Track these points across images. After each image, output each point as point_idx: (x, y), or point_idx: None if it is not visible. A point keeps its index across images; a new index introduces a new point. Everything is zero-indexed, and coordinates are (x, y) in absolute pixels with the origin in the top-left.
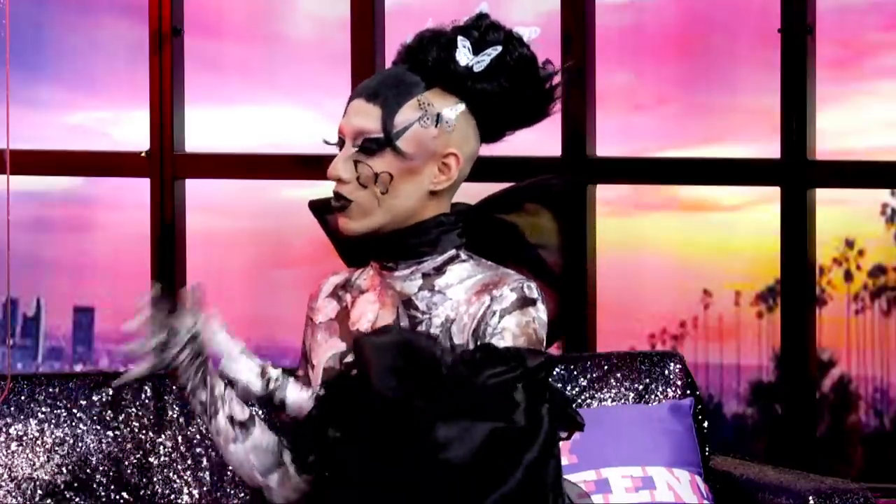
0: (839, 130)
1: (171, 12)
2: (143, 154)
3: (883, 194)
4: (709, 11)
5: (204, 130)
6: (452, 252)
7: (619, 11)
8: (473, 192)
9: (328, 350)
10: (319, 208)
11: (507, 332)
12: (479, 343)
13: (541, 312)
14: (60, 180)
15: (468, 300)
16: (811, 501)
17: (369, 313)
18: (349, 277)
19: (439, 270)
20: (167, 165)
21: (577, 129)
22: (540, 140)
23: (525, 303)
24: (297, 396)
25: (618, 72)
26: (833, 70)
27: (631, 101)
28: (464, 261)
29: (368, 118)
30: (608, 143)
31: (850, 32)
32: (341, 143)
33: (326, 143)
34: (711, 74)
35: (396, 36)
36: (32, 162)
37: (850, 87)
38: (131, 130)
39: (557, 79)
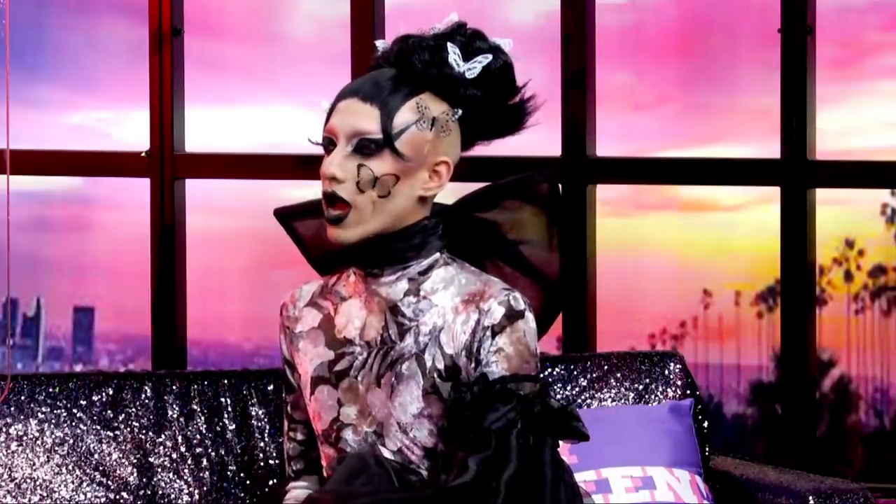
0: (839, 130)
1: (171, 12)
2: (143, 154)
3: (883, 194)
4: (709, 11)
5: (204, 130)
6: (436, 255)
7: (619, 11)
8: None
9: (315, 359)
10: (286, 216)
11: (502, 354)
12: (475, 361)
13: (529, 322)
14: (60, 180)
15: (455, 308)
16: (811, 501)
17: (356, 320)
18: (324, 285)
19: (423, 274)
20: (167, 165)
21: (577, 129)
22: (540, 140)
23: (514, 317)
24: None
25: (618, 72)
26: (833, 70)
27: (631, 101)
28: (447, 264)
29: (366, 118)
30: (608, 143)
31: (850, 32)
32: (329, 144)
33: (312, 142)
34: (711, 74)
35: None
36: (32, 162)
37: (850, 87)
38: (131, 130)
39: (531, 93)
